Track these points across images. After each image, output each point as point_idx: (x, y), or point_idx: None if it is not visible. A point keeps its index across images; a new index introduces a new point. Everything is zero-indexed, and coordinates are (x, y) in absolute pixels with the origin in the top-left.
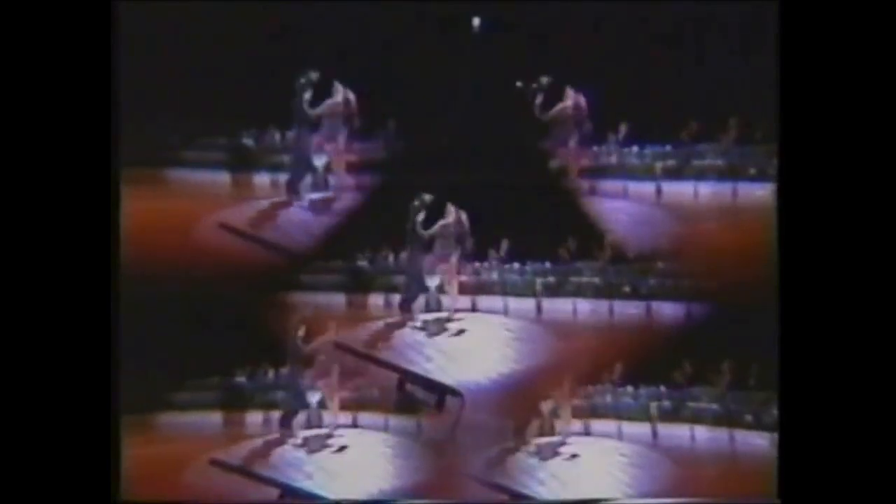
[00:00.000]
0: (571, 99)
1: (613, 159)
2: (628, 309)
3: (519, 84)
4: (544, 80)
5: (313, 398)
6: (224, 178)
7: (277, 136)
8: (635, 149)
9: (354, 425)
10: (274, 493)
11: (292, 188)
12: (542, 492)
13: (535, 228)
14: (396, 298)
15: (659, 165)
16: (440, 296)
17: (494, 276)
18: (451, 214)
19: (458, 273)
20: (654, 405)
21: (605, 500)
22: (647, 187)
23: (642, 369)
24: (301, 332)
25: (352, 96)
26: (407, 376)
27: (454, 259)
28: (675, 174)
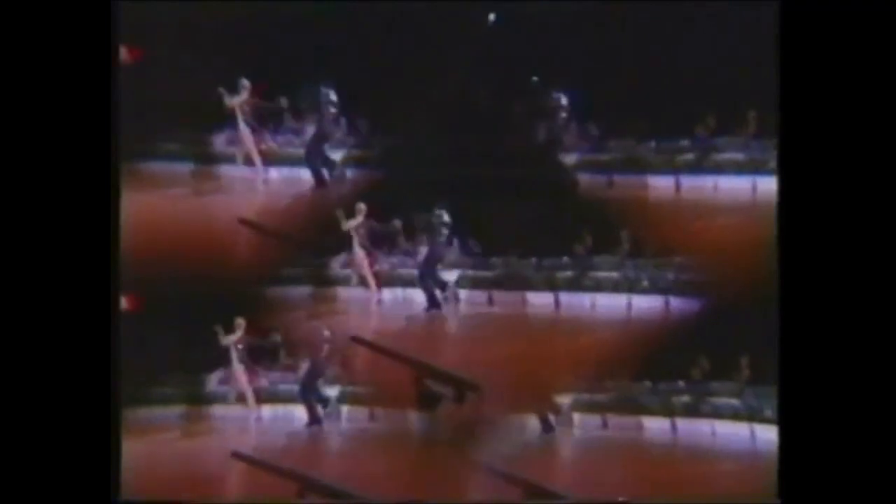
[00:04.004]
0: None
1: (631, 154)
2: (647, 303)
3: (535, 79)
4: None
5: (332, 393)
6: (243, 173)
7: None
8: (653, 144)
9: (371, 419)
10: (293, 487)
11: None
12: (559, 486)
13: (552, 224)
14: (406, 293)
15: (677, 160)
16: (459, 290)
17: (512, 271)
18: (362, 212)
19: (372, 267)
20: (673, 400)
21: (623, 500)
22: (665, 182)
23: (661, 364)
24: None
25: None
26: (425, 371)
27: (363, 253)
28: (693, 169)
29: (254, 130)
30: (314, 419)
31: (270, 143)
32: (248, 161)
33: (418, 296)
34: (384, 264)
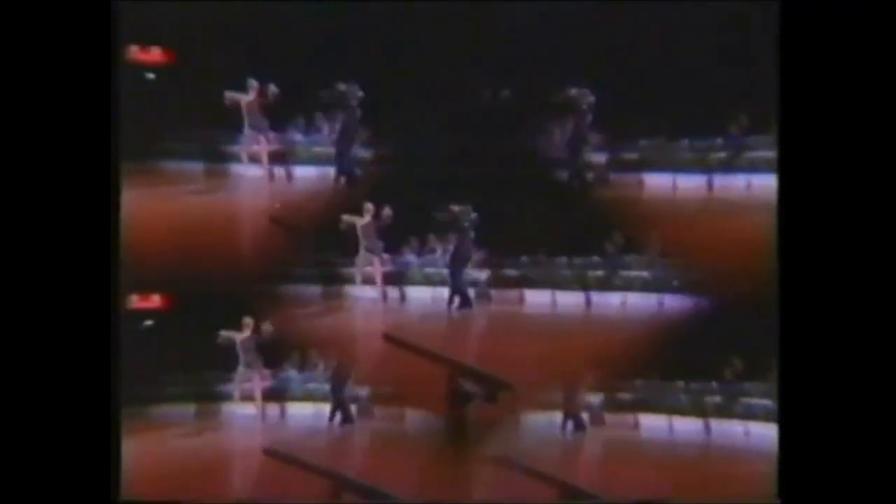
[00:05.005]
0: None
1: (661, 153)
2: (678, 303)
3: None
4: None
5: (362, 392)
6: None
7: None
8: (686, 142)
9: (401, 419)
10: (328, 485)
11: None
12: (589, 485)
13: (582, 223)
14: (434, 292)
15: (710, 158)
16: (489, 289)
17: (542, 270)
18: (370, 212)
19: (382, 266)
20: (706, 399)
21: (654, 500)
22: (696, 180)
23: (692, 364)
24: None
25: (274, 90)
26: (457, 369)
27: (378, 254)
28: (725, 167)
29: (261, 130)
30: (346, 418)
31: (281, 142)
32: (258, 160)
33: (444, 294)
34: (416, 263)
